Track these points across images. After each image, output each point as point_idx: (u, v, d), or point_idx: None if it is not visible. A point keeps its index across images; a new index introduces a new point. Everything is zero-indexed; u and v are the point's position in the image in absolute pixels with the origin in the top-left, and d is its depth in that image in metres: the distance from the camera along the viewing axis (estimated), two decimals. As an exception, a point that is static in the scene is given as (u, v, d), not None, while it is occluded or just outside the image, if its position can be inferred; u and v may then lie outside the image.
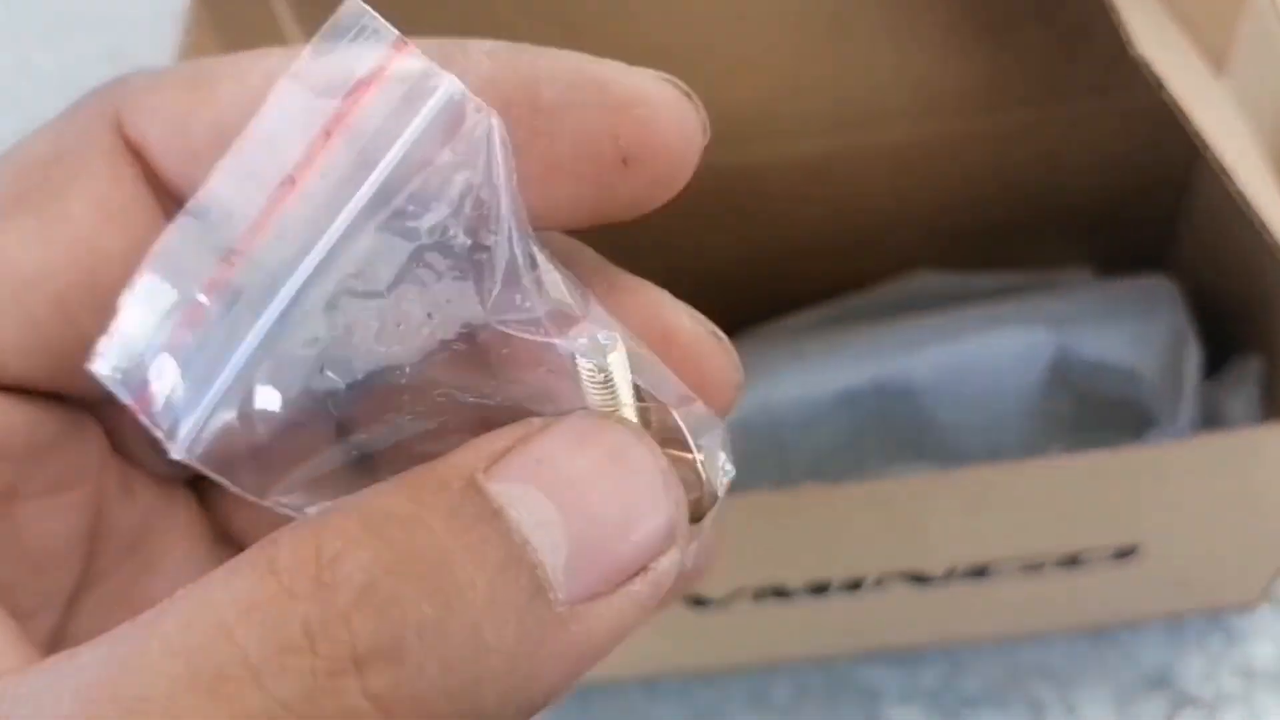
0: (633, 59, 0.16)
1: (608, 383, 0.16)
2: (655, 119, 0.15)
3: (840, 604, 0.37)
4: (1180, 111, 0.29)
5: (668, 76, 0.16)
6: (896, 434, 0.40)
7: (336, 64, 0.15)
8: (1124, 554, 0.36)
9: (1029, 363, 0.39)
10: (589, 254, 0.18)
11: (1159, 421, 0.38)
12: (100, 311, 0.16)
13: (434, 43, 0.16)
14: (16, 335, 0.16)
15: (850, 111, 0.39)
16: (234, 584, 0.13)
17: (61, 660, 0.14)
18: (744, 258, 0.42)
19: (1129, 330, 0.39)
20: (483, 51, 0.16)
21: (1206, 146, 0.28)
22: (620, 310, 0.16)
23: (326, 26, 0.15)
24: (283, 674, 0.12)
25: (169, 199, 0.17)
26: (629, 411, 0.16)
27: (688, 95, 0.16)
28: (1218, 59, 0.36)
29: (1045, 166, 0.40)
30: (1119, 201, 0.42)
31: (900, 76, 0.39)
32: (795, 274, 0.44)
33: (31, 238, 0.16)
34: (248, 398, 0.15)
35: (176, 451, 0.15)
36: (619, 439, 0.15)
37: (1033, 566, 0.36)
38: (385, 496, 0.14)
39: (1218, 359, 0.40)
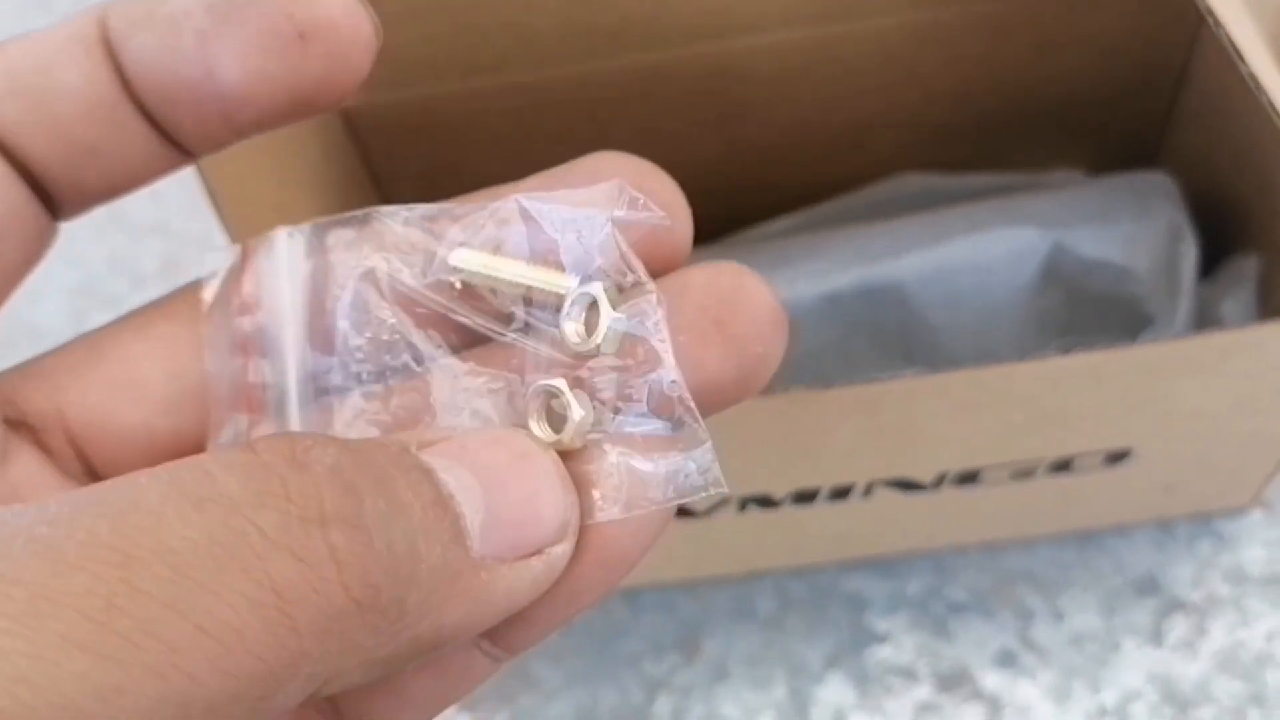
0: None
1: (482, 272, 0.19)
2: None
3: (827, 513, 0.36)
4: (1187, -10, 0.27)
5: None
6: (884, 337, 0.39)
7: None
8: (1116, 458, 0.35)
9: (1021, 262, 0.38)
10: None
11: (1155, 321, 0.37)
12: None
13: None
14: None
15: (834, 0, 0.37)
16: (217, 453, 0.15)
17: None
18: (726, 157, 0.41)
19: (1124, 227, 0.38)
20: None
21: (1219, 24, 0.26)
22: None
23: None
24: (261, 508, 0.14)
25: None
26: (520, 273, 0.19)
27: None
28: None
29: (1038, 57, 0.39)
30: (1114, 94, 0.40)
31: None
32: (779, 175, 0.42)
33: None
34: None
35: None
36: (524, 444, 0.18)
37: (1024, 472, 0.35)
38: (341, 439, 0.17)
39: (1213, 258, 0.39)
